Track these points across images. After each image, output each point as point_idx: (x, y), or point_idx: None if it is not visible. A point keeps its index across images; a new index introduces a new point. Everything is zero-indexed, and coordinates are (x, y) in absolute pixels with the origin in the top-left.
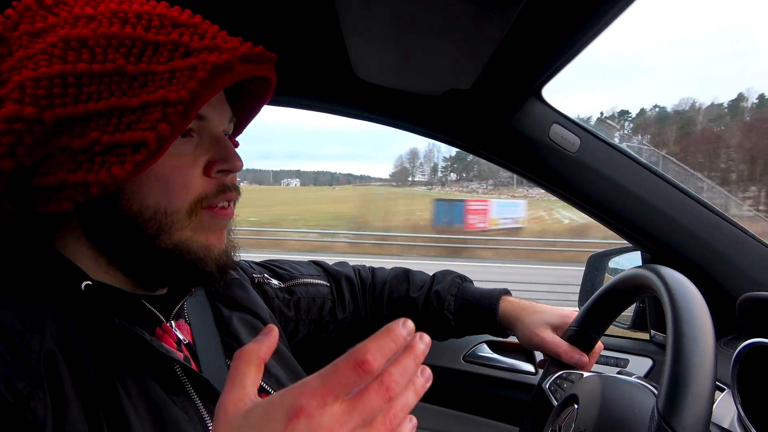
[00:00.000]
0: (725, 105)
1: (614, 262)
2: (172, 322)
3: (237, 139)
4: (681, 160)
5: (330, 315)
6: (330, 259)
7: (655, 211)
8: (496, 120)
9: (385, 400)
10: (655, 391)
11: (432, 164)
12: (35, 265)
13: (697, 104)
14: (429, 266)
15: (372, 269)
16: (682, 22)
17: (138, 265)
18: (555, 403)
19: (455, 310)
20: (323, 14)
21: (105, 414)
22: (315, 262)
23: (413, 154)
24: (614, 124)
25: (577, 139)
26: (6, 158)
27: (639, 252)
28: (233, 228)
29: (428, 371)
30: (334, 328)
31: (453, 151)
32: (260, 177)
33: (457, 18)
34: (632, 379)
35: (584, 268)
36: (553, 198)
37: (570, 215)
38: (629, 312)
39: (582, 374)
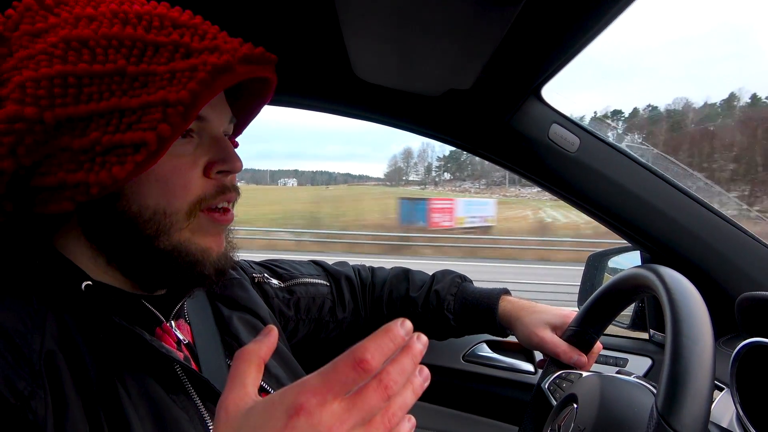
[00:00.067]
0: (718, 104)
1: (614, 262)
2: (172, 322)
3: (237, 139)
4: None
5: (330, 315)
6: (330, 259)
7: (655, 211)
8: (495, 120)
9: (383, 399)
10: (654, 391)
11: (426, 164)
12: (35, 265)
13: (690, 104)
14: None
15: (372, 269)
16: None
17: (137, 266)
18: (554, 402)
19: (455, 310)
20: (323, 14)
21: (105, 414)
22: (315, 262)
23: (407, 154)
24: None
25: (577, 139)
26: (6, 158)
27: (638, 251)
28: (232, 229)
29: (426, 371)
30: (333, 328)
31: (446, 150)
32: (258, 177)
33: (456, 18)
34: (631, 378)
35: (584, 268)
36: (545, 197)
37: (555, 214)
38: (628, 311)
39: (581, 374)
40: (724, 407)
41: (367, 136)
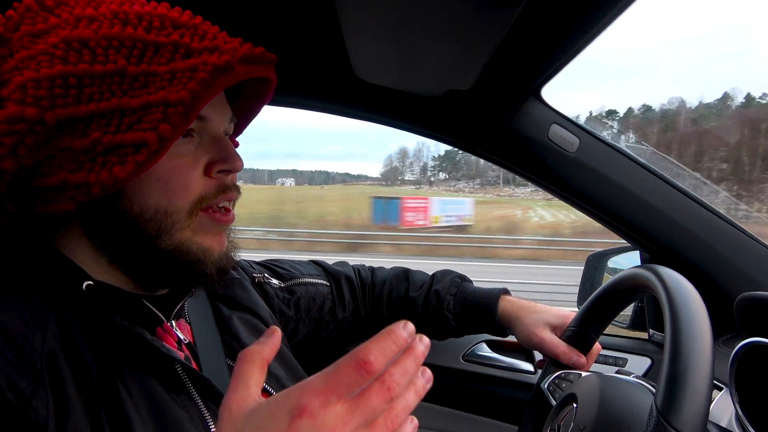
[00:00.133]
0: (712, 103)
1: (613, 262)
2: (173, 321)
3: (237, 139)
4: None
5: (330, 314)
6: (330, 259)
7: (654, 211)
8: (495, 120)
9: (386, 400)
10: (654, 390)
11: (422, 163)
12: (37, 265)
13: (685, 103)
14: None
15: (372, 269)
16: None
17: (138, 266)
18: (554, 402)
19: (455, 310)
20: (323, 14)
21: (107, 413)
22: (315, 262)
23: (403, 154)
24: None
25: (576, 139)
26: (8, 159)
27: (638, 251)
28: (233, 229)
29: (429, 372)
30: (333, 328)
31: (442, 150)
32: (256, 176)
33: (456, 19)
34: (630, 378)
35: (583, 268)
36: (539, 197)
37: (544, 213)
38: (628, 311)
39: (580, 374)
40: (723, 407)
41: (367, 135)
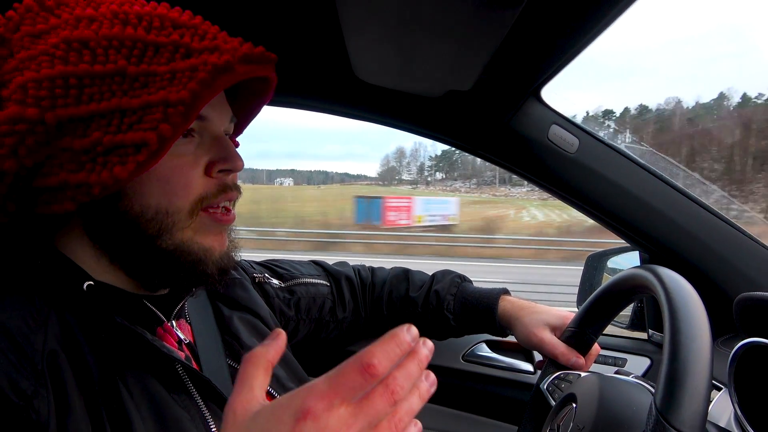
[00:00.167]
0: (709, 103)
1: (613, 262)
2: (173, 321)
3: (237, 139)
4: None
5: (330, 315)
6: (330, 260)
7: (653, 212)
8: (495, 121)
9: (390, 404)
10: (653, 390)
11: (419, 163)
12: (38, 265)
13: (682, 103)
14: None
15: (372, 269)
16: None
17: (139, 266)
18: (553, 403)
19: (455, 310)
20: (324, 15)
21: (108, 413)
22: (315, 262)
23: (400, 153)
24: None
25: (576, 139)
26: (8, 159)
27: (637, 252)
28: (234, 229)
29: (432, 376)
30: (333, 328)
31: (439, 150)
32: (254, 176)
33: (457, 20)
34: (630, 378)
35: (582, 268)
36: (534, 197)
37: (537, 213)
38: (627, 312)
39: (579, 374)
40: (723, 407)
41: (367, 135)
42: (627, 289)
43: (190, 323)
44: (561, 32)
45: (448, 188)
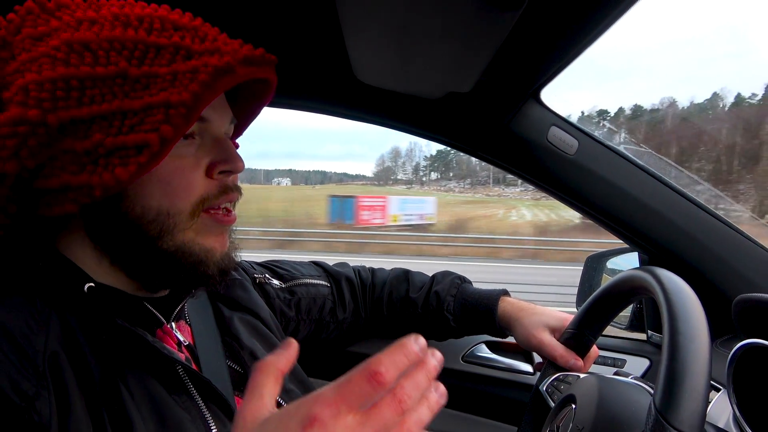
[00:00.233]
0: (703, 103)
1: (612, 263)
2: (173, 323)
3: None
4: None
5: (330, 315)
6: (330, 260)
7: (652, 213)
8: (495, 122)
9: (397, 413)
10: (652, 391)
11: (414, 163)
12: (39, 267)
13: (676, 103)
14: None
15: (372, 270)
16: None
17: (141, 267)
18: (552, 405)
19: (455, 311)
20: (324, 17)
21: (109, 414)
22: (315, 263)
23: (395, 153)
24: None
25: (575, 141)
26: (10, 161)
27: (636, 252)
28: (234, 229)
29: (442, 388)
30: (334, 329)
31: (434, 149)
32: (252, 176)
33: (457, 22)
34: (629, 379)
35: (582, 269)
36: (527, 197)
37: (525, 213)
38: (626, 313)
39: (579, 375)
40: (721, 408)
41: (366, 135)
42: (626, 291)
43: (190, 324)
44: (561, 34)
45: (442, 188)
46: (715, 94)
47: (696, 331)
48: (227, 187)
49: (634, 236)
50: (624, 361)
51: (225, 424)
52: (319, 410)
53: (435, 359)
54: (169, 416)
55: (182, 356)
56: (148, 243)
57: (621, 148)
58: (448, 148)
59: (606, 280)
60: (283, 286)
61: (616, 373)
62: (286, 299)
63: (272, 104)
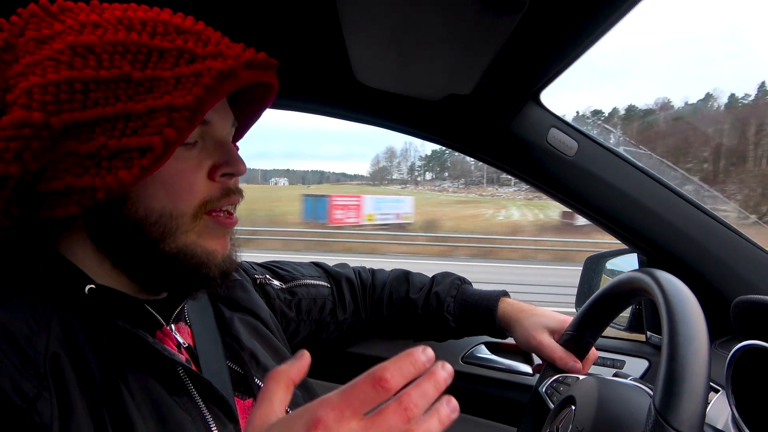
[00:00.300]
0: (697, 103)
1: (611, 264)
2: (173, 325)
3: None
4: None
5: (330, 316)
6: (330, 261)
7: (652, 214)
8: (495, 124)
9: (403, 421)
10: (651, 392)
11: (409, 163)
12: (40, 268)
13: (670, 103)
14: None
15: (372, 271)
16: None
17: (142, 269)
18: (551, 406)
19: (454, 312)
20: (325, 19)
21: (110, 415)
22: (316, 264)
23: (390, 153)
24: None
25: (575, 143)
26: (13, 163)
27: (635, 254)
28: (235, 231)
29: (454, 402)
30: (334, 329)
31: (429, 149)
32: (250, 176)
33: (457, 24)
34: (628, 381)
35: (581, 270)
36: (520, 197)
37: (515, 213)
38: (626, 314)
39: (578, 377)
40: (720, 409)
41: (365, 135)
42: (625, 293)
43: (190, 325)
44: (561, 37)
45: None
46: (708, 95)
47: (695, 332)
48: (229, 190)
49: (633, 238)
50: (623, 362)
51: (225, 424)
52: (323, 414)
53: (445, 371)
54: (170, 417)
55: (182, 358)
56: (150, 245)
57: (620, 149)
58: (443, 148)
59: (605, 281)
60: (284, 286)
61: (615, 374)
62: (287, 300)
63: (273, 106)
